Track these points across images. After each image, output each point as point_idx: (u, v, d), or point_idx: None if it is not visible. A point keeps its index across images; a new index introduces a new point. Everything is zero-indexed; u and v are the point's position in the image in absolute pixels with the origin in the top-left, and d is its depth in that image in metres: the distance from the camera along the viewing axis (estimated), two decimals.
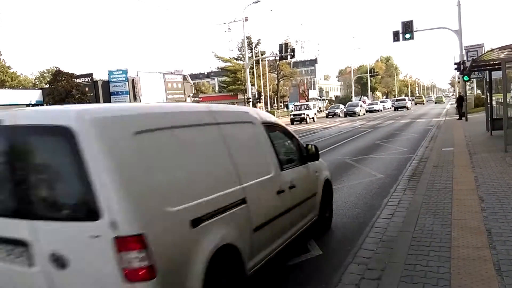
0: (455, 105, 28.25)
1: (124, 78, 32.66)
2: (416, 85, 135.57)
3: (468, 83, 31.67)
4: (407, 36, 29.46)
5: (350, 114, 43.14)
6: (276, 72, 66.28)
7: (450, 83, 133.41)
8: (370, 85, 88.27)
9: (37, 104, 32.70)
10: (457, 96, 31.31)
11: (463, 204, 5.78)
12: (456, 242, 4.37)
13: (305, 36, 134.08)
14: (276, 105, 60.89)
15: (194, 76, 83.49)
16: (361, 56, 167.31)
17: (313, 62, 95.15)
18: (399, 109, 51.96)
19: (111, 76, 33.10)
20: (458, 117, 24.82)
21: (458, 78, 36.54)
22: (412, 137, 16.92)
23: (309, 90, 77.05)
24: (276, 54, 51.13)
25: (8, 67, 63.20)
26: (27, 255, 2.58)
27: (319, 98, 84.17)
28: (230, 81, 56.95)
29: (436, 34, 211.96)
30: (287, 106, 59.91)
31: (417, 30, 29.76)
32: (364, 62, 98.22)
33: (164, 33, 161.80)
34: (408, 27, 29.37)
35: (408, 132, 19.52)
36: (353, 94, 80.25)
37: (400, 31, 29.72)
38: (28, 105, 32.10)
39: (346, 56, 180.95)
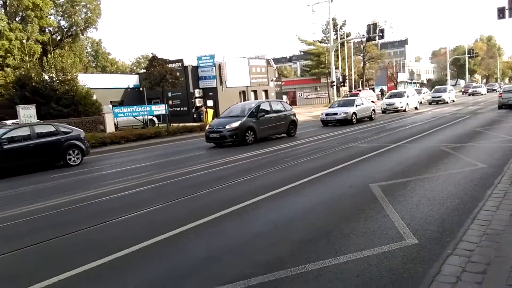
0: None
1: (211, 63, 33.91)
2: None
3: None
4: None
5: (437, 101, 35.41)
6: (362, 55, 63.71)
7: None
8: (469, 68, 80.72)
9: (134, 88, 35.60)
10: None
11: None
12: None
13: (395, 15, 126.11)
14: (361, 88, 58.74)
15: (276, 60, 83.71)
16: (458, 36, 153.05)
17: (403, 43, 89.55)
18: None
19: (200, 62, 34.56)
20: None
21: None
22: None
23: (398, 72, 72.76)
24: (362, 35, 49.08)
25: (108, 54, 69.34)
26: None
27: (409, 81, 79.32)
28: (313, 65, 56.08)
29: None
30: (373, 89, 57.43)
31: None
32: (462, 42, 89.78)
33: (248, 18, 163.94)
34: None
35: None
36: (448, 77, 74.25)
37: (507, 7, 26.62)
38: (127, 89, 35.08)
39: (440, 36, 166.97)
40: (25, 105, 20.61)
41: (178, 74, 25.72)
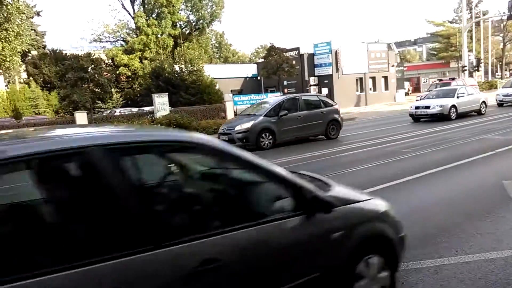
0: None
1: (328, 50, 33.43)
2: None
3: None
4: None
5: None
6: (501, 35, 55.97)
7: None
8: None
9: (253, 77, 37.17)
10: None
11: None
12: None
13: None
14: (499, 73, 51.77)
15: (398, 44, 78.43)
16: None
17: None
18: None
19: (316, 49, 34.36)
20: None
21: None
22: None
23: None
24: (503, 13, 42.99)
25: (230, 45, 73.30)
26: None
27: None
28: (442, 48, 51.32)
29: None
30: None
31: None
32: None
33: (368, 1, 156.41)
34: None
35: None
36: None
37: None
38: (245, 78, 36.82)
39: None
40: (160, 93, 23.09)
41: (294, 62, 26.06)
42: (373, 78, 36.37)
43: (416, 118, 17.76)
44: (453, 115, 17.21)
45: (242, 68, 39.02)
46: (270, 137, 12.72)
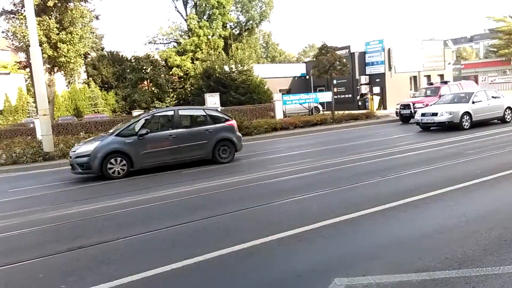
0: None
1: (380, 48, 32.53)
2: None
3: None
4: None
5: None
6: None
7: None
8: None
9: (301, 76, 36.95)
10: None
11: None
12: None
13: None
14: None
15: (454, 41, 74.80)
16: None
17: None
18: None
19: (368, 47, 33.55)
20: None
21: None
22: None
23: None
24: None
25: (277, 44, 73.34)
26: None
27: None
28: (502, 44, 48.30)
29: None
30: None
31: None
32: None
33: None
34: None
35: None
36: None
37: None
38: (294, 78, 36.69)
39: None
40: (211, 93, 23.60)
41: (344, 60, 25.58)
42: (428, 77, 34.93)
43: (424, 127, 15.69)
44: (466, 123, 14.83)
45: (291, 68, 38.93)
46: (123, 162, 10.26)
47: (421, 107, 18.10)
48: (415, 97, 22.32)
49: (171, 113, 11.42)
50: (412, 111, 19.04)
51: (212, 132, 11.36)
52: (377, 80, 32.82)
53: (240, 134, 12.36)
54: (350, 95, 33.42)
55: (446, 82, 21.95)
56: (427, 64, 34.70)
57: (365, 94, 31.43)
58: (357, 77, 33.06)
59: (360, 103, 31.26)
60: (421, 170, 8.24)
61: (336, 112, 23.09)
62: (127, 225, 6.04)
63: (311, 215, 5.70)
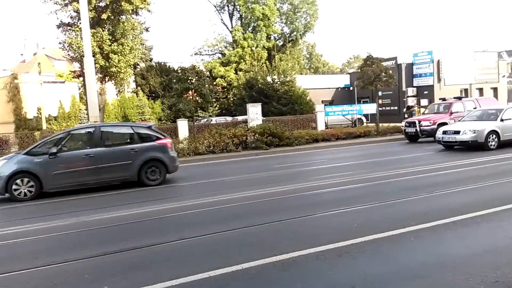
0: None
1: (429, 60, 31.45)
2: None
3: None
4: None
5: None
6: None
7: None
8: None
9: (345, 87, 36.43)
10: None
11: None
12: None
13: None
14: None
15: (509, 53, 70.79)
16: None
17: None
18: None
19: (415, 58, 32.56)
20: None
21: None
22: None
23: None
24: None
25: (321, 55, 72.94)
26: None
27: None
28: None
29: None
30: None
31: None
32: None
33: (475, 6, 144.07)
34: None
35: None
36: None
37: None
38: (337, 89, 36.24)
39: None
40: (253, 103, 23.75)
41: (390, 72, 24.94)
42: (480, 90, 33.31)
43: (447, 145, 14.27)
44: (493, 143, 13.35)
45: (334, 79, 38.52)
46: (31, 183, 9.40)
47: (428, 125, 17.12)
48: (424, 114, 20.53)
49: (91, 130, 10.50)
50: (418, 129, 17.50)
51: (138, 151, 10.31)
52: (425, 92, 31.72)
53: (174, 154, 11.09)
54: (395, 107, 32.49)
55: (460, 98, 19.75)
56: (479, 76, 33.13)
57: (412, 106, 30.41)
58: (403, 89, 32.13)
59: (406, 116, 30.28)
60: (469, 188, 7.81)
61: (380, 124, 22.49)
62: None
63: (351, 229, 5.53)
